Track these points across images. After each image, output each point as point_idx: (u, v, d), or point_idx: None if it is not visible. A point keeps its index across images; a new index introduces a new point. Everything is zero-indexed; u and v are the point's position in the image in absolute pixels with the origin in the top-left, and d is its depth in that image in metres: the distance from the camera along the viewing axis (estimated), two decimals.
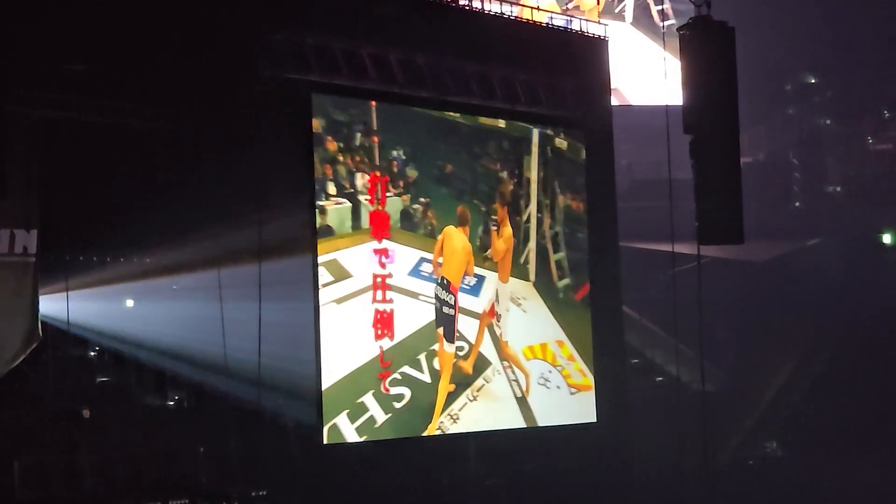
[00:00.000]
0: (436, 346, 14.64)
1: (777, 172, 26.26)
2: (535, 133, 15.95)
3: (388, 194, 14.40)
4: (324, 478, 13.32)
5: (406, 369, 14.33)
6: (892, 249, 23.61)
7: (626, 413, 16.83)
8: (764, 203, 22.62)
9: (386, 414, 13.99)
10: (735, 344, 20.27)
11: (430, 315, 14.68)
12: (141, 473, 12.55)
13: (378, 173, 14.34)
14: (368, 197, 14.20)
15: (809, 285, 21.20)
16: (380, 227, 14.33)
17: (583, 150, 16.51)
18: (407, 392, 14.26)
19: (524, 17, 16.30)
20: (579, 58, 16.78)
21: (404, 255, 14.55)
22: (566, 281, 16.22)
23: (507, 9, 15.89)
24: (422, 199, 14.78)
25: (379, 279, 14.22)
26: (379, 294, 14.20)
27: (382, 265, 14.27)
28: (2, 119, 10.69)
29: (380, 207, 14.34)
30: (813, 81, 27.37)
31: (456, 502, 14.53)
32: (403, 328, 14.39)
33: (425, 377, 14.50)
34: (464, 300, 15.02)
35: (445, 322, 14.83)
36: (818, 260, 22.51)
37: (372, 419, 13.85)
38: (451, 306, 14.91)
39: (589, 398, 16.18)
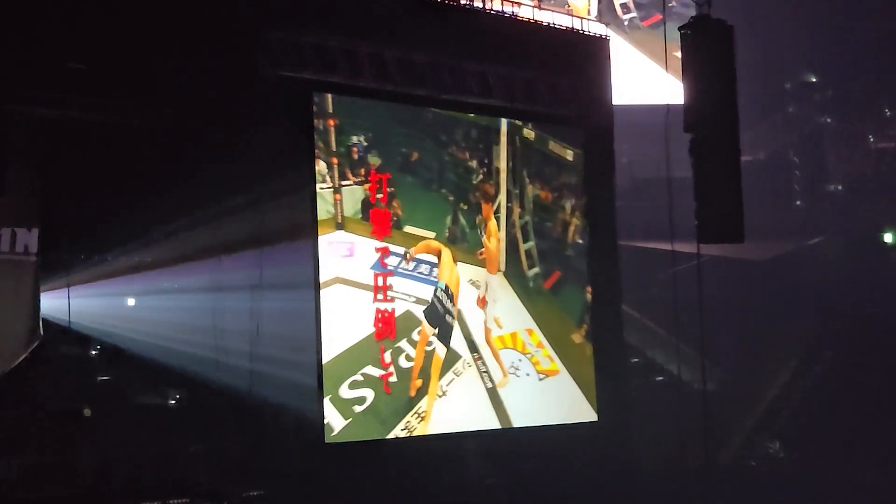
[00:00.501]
0: (402, 343, 14.31)
1: (777, 171, 26.19)
2: (504, 122, 15.80)
3: (346, 182, 14.02)
4: (323, 477, 13.31)
5: (369, 369, 13.97)
6: (894, 249, 23.59)
7: (626, 413, 16.81)
8: (764, 202, 22.59)
9: (345, 419, 13.61)
10: (736, 343, 20.23)
11: (395, 310, 14.39)
12: (141, 472, 12.56)
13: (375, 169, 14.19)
14: (325, 186, 13.80)
15: (810, 284, 21.17)
16: (381, 225, 14.29)
17: (549, 141, 16.27)
18: (370, 394, 13.91)
19: (524, 16, 16.27)
20: (580, 57, 16.77)
21: (366, 249, 14.19)
22: (535, 269, 16.06)
23: (507, 8, 15.88)
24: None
25: (381, 279, 14.17)
26: (381, 293, 14.16)
27: (384, 264, 14.22)
28: (3, 118, 10.74)
29: (381, 204, 14.28)
30: (814, 80, 27.33)
31: (456, 502, 14.51)
32: (365, 325, 14.05)
33: (391, 376, 14.19)
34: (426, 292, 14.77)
35: (444, 328, 14.73)
36: (819, 259, 22.49)
37: (328, 427, 13.49)
38: (452, 316, 14.89)
39: (555, 383, 15.97)
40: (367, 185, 14.25)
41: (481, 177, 15.54)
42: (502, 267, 15.73)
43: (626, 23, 24.51)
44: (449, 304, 14.87)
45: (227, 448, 13.14)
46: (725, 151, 13.19)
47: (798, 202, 26.19)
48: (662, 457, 16.93)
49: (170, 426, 13.18)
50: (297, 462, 13.41)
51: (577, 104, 16.48)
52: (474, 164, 15.51)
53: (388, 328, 14.19)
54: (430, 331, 14.64)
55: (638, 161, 23.05)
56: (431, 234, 14.94)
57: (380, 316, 14.14)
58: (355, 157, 14.20)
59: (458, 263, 15.15)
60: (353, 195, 14.15)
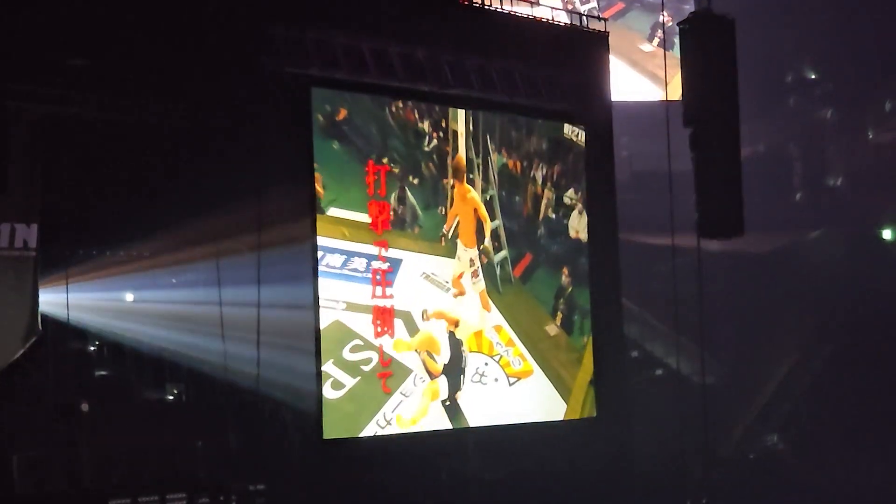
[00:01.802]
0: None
1: (777, 165, 26.21)
2: None
3: None
4: (323, 472, 13.32)
5: None
6: (893, 243, 23.61)
7: (625, 407, 16.80)
8: (764, 195, 22.60)
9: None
10: (736, 337, 20.28)
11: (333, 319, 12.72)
12: (140, 468, 12.56)
13: (373, 159, 12.93)
14: None
15: (810, 278, 21.22)
16: (379, 218, 14.06)
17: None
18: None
19: (524, 12, 16.28)
20: (579, 52, 16.76)
21: None
22: (503, 253, 14.03)
23: (507, 5, 15.88)
24: None
25: (379, 275, 13.74)
26: (378, 290, 14.01)
27: (383, 259, 13.64)
28: (3, 113, 10.73)
29: (380, 196, 13.42)
30: (814, 74, 27.34)
31: (455, 497, 14.51)
32: None
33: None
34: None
35: (454, 383, 13.74)
36: (819, 253, 22.54)
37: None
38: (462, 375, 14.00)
39: (528, 386, 14.51)
40: None
41: (436, 142, 13.19)
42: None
43: (582, 14, 24.40)
44: (464, 364, 13.75)
45: (226, 443, 13.15)
46: (725, 145, 13.18)
47: (798, 196, 26.22)
48: (662, 450, 16.94)
49: (168, 421, 13.20)
50: (296, 458, 13.42)
51: (577, 99, 16.45)
52: (426, 126, 13.24)
53: (388, 325, 13.82)
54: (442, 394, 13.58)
55: (637, 154, 23.06)
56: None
57: (378, 313, 13.94)
58: None
59: (410, 253, 13.14)
60: None
